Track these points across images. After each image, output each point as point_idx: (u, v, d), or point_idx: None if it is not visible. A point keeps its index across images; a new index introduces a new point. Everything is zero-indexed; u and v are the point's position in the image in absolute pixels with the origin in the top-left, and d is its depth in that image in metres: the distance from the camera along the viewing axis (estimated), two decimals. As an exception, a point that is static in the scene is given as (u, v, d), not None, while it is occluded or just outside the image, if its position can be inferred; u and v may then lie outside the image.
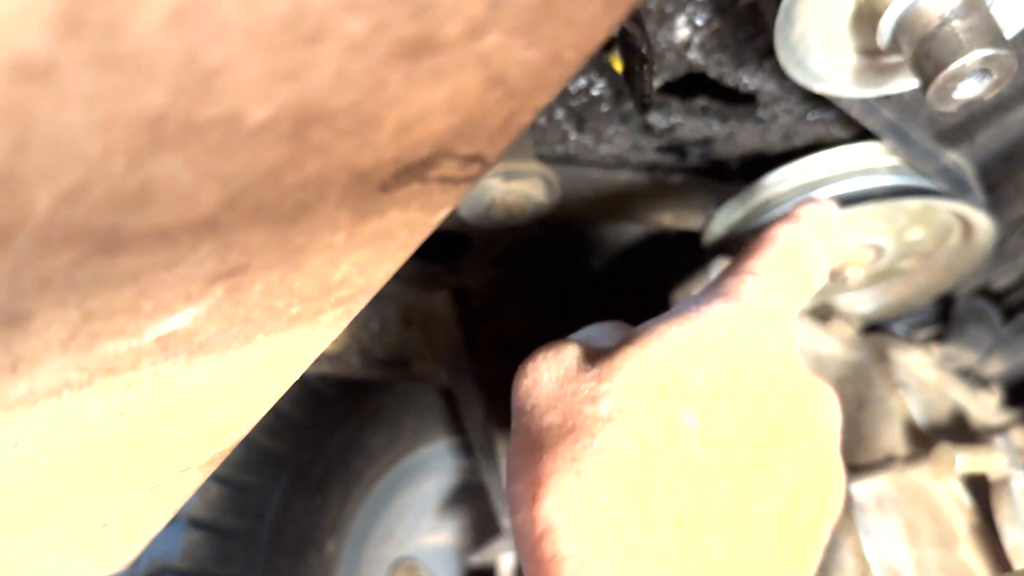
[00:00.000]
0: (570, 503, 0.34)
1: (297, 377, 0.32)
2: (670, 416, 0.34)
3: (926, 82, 0.42)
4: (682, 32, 0.52)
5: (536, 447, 0.36)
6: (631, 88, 0.45)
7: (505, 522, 0.74)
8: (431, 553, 0.92)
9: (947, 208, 0.59)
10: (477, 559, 0.76)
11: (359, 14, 0.15)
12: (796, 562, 0.36)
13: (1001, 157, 0.66)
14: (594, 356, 0.38)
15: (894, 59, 0.48)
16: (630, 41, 0.41)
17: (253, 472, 0.81)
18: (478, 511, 0.92)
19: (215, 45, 0.14)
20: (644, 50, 0.40)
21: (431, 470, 0.94)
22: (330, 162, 0.19)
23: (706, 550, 0.33)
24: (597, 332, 0.42)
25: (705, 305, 0.38)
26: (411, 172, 0.21)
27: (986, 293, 0.81)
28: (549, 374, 0.38)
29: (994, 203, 0.71)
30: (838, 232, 0.45)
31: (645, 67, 0.41)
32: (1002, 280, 0.80)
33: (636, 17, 0.40)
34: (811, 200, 0.45)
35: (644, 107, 0.44)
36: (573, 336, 0.42)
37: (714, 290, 0.39)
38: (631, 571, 0.32)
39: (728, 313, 0.37)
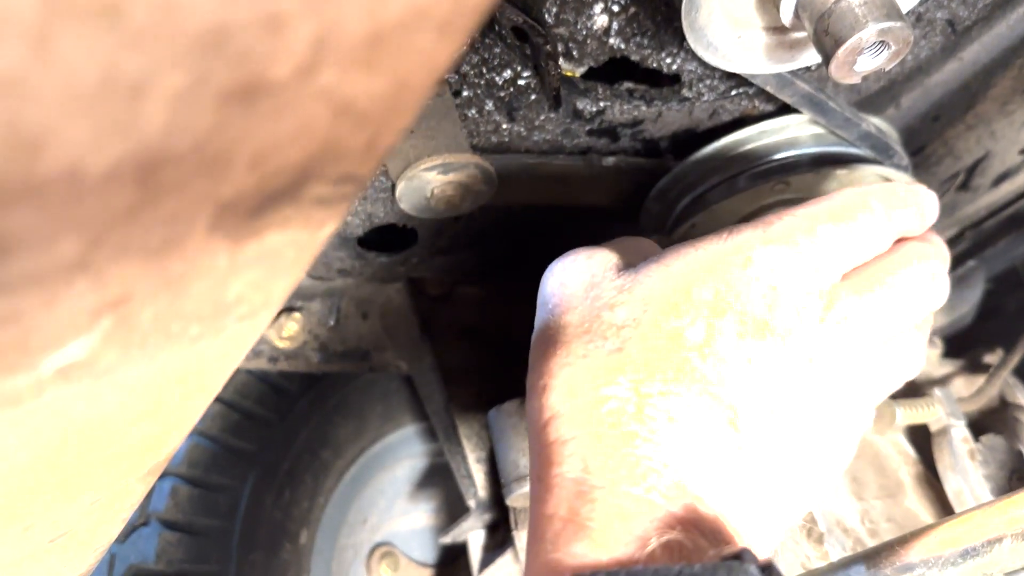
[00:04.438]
0: (575, 393, 0.38)
1: (219, 389, 0.33)
2: (676, 329, 0.39)
3: (827, 57, 0.43)
4: (601, 19, 0.53)
5: (552, 342, 0.41)
6: (541, 84, 0.46)
7: (471, 502, 0.76)
8: (406, 536, 0.94)
9: (872, 173, 0.60)
10: (448, 539, 0.78)
11: (176, 70, 0.16)
12: (778, 474, 0.39)
13: (928, 117, 0.68)
14: (621, 268, 0.42)
15: (802, 33, 0.49)
16: (534, 40, 0.42)
17: (222, 471, 0.82)
18: (450, 491, 0.94)
19: (32, 113, 0.15)
20: (547, 47, 0.41)
21: (400, 456, 0.96)
22: (188, 198, 0.20)
23: (693, 448, 0.36)
24: (632, 245, 0.45)
25: (735, 232, 0.42)
26: (280, 197, 0.22)
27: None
28: (577, 277, 0.42)
29: (925, 163, 0.73)
30: (920, 211, 0.45)
31: (551, 63, 0.42)
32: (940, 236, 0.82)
33: (537, 16, 0.41)
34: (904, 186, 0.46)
35: (556, 101, 0.45)
36: (608, 244, 0.45)
37: (755, 220, 0.43)
38: (624, 451, 0.36)
39: (750, 241, 0.41)
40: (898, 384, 0.46)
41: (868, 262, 0.43)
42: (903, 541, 0.40)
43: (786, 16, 0.45)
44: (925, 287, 0.43)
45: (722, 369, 0.38)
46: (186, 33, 0.15)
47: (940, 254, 0.46)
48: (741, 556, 0.31)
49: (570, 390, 0.38)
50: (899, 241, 0.45)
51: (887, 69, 0.45)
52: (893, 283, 0.42)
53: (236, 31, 0.16)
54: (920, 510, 0.64)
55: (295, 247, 0.25)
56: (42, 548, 0.39)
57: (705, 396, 0.37)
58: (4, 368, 0.22)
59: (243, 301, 0.27)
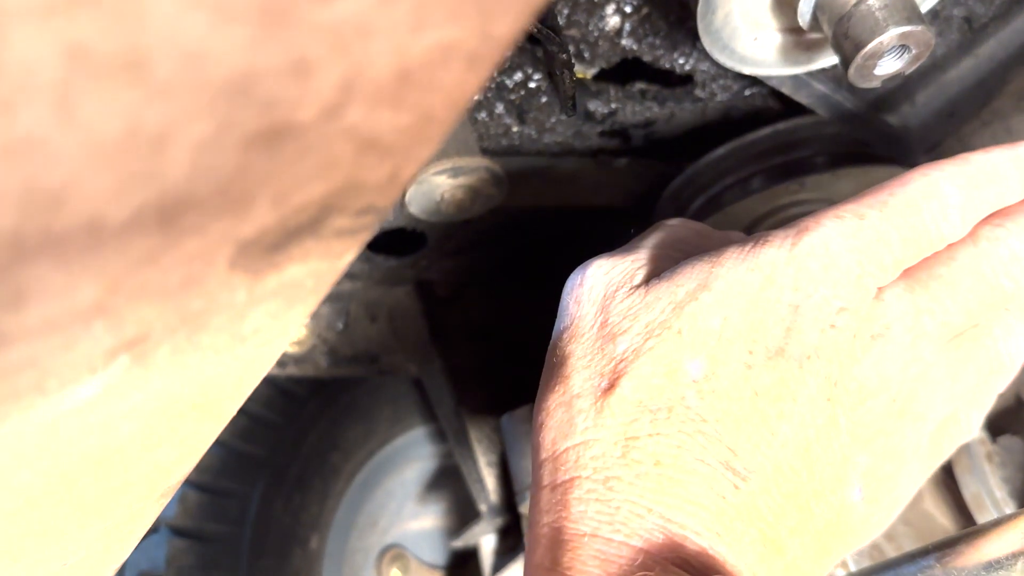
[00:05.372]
0: (566, 434, 0.37)
1: (232, 414, 0.32)
2: (675, 363, 0.36)
3: (846, 62, 0.43)
4: (613, 20, 0.52)
5: (555, 372, 0.39)
6: (556, 91, 0.45)
7: (483, 506, 0.75)
8: (416, 538, 0.94)
9: (889, 173, 0.59)
10: (459, 543, 0.77)
11: (199, 119, 0.15)
12: (766, 524, 0.36)
13: (944, 114, 0.67)
14: (640, 282, 0.39)
15: (819, 34, 0.49)
16: (549, 48, 0.41)
17: (231, 477, 0.82)
18: (459, 493, 0.93)
19: (53, 169, 0.14)
20: (563, 56, 0.40)
21: (410, 458, 0.95)
22: (209, 238, 0.19)
23: (681, 491, 0.35)
24: (671, 238, 0.42)
25: (760, 245, 0.37)
26: (301, 232, 0.22)
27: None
28: (592, 295, 0.40)
29: (941, 159, 0.72)
30: (1011, 180, 0.40)
31: (566, 72, 0.41)
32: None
33: (551, 24, 0.40)
34: (1011, 146, 0.40)
35: (571, 108, 0.44)
36: (647, 239, 0.42)
37: (793, 223, 0.38)
38: (606, 497, 0.35)
39: (775, 260, 0.37)
40: (984, 391, 0.41)
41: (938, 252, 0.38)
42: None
43: (804, 18, 0.45)
44: (1001, 271, 0.38)
45: (722, 406, 0.35)
46: (212, 83, 0.14)
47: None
48: None
49: (560, 431, 0.37)
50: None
51: (907, 73, 0.44)
52: (949, 276, 0.38)
53: (262, 78, 0.15)
54: (937, 513, 0.64)
55: (314, 277, 0.25)
56: (57, 572, 0.38)
57: (698, 436, 0.35)
58: (19, 408, 0.22)
59: (259, 331, 0.26)
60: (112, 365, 0.22)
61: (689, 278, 0.38)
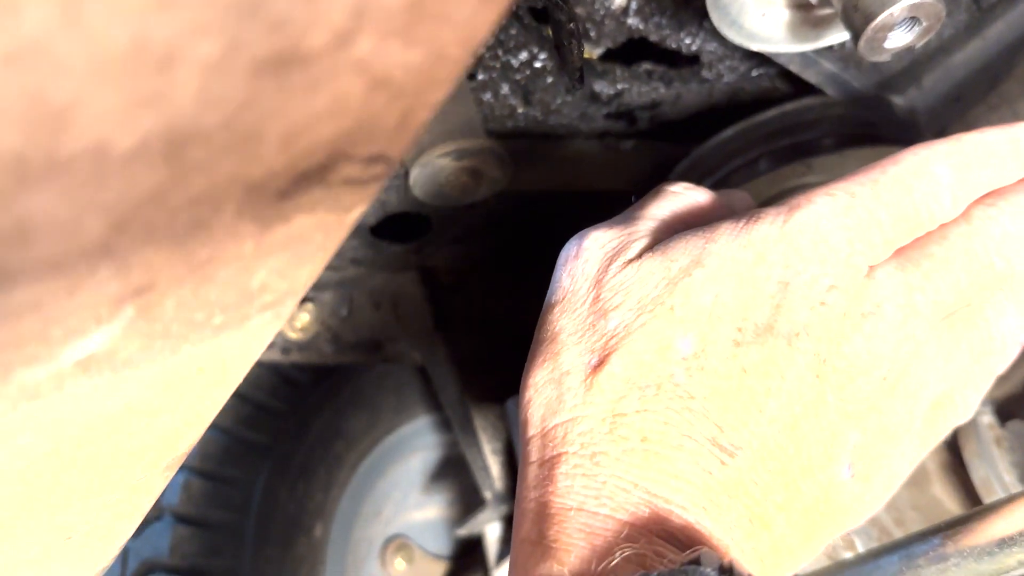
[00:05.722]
0: (554, 411, 0.37)
1: (240, 381, 0.32)
2: (666, 340, 0.36)
3: (856, 34, 0.42)
4: (619, -2, 0.52)
5: (545, 346, 0.39)
6: (563, 63, 0.45)
7: (488, 494, 0.75)
8: (421, 528, 0.93)
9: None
10: (464, 531, 0.77)
11: (208, 37, 0.15)
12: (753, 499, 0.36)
13: (950, 98, 0.66)
14: (636, 255, 0.39)
15: (828, 10, 0.48)
16: (557, 17, 0.41)
17: (235, 464, 0.81)
18: (464, 482, 0.93)
19: (59, 83, 0.14)
20: (571, 25, 0.40)
21: (414, 447, 0.95)
22: (216, 178, 0.19)
23: (667, 466, 0.35)
24: (681, 207, 0.42)
25: (753, 221, 0.37)
26: (309, 178, 0.21)
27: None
28: (587, 268, 0.40)
29: (947, 143, 0.71)
30: (1008, 159, 0.40)
31: (574, 42, 0.41)
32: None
33: (559, -8, 0.40)
34: (1006, 127, 0.40)
35: (578, 80, 0.44)
36: (647, 208, 0.42)
37: (785, 200, 0.39)
38: (592, 472, 0.35)
39: (767, 236, 0.37)
40: (979, 371, 0.40)
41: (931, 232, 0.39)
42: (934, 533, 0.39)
43: (813, -8, 0.44)
44: (993, 250, 0.38)
45: (710, 383, 0.35)
46: (220, -4, 0.14)
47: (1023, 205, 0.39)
48: (699, 560, 0.30)
49: (549, 408, 0.37)
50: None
51: (917, 46, 0.43)
52: (941, 255, 0.37)
53: (273, -6, 0.15)
54: (946, 498, 0.63)
55: (322, 231, 0.24)
56: (60, 545, 0.38)
57: (686, 413, 0.35)
58: (24, 359, 0.21)
59: (267, 289, 0.26)
60: (118, 316, 0.22)
61: (683, 253, 0.38)
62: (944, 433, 0.42)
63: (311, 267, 0.26)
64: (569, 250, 0.41)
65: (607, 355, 0.37)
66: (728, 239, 0.37)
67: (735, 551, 0.35)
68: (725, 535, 0.34)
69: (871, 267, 0.37)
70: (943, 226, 0.39)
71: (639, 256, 0.39)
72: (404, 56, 0.19)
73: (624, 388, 0.36)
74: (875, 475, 0.38)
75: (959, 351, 0.39)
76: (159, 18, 0.14)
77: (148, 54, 0.14)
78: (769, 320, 0.36)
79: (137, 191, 0.17)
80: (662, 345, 0.36)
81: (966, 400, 0.41)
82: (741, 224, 0.38)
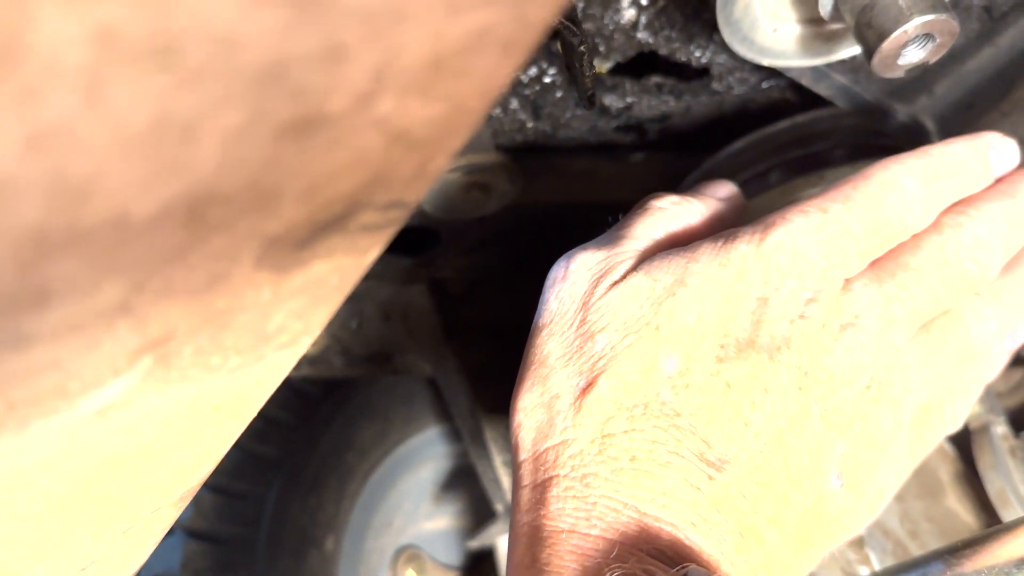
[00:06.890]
0: (544, 435, 0.37)
1: (254, 415, 0.32)
2: (652, 359, 0.37)
3: (869, 52, 0.42)
4: (628, 13, 0.51)
5: (534, 369, 0.39)
6: (573, 83, 0.44)
7: (499, 506, 0.75)
8: (432, 538, 0.93)
9: (909, 165, 0.58)
10: (475, 544, 0.77)
11: (231, 108, 0.14)
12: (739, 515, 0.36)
13: (962, 106, 0.66)
14: (621, 276, 0.39)
15: (840, 25, 0.48)
16: (568, 40, 0.41)
17: (246, 478, 0.81)
18: (475, 493, 0.93)
19: (81, 160, 0.13)
20: (582, 48, 0.40)
21: (424, 458, 0.95)
22: (236, 235, 0.18)
23: (655, 484, 0.35)
24: (677, 218, 0.43)
25: (731, 241, 0.38)
26: (328, 228, 0.21)
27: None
28: (574, 290, 0.40)
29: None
30: (976, 169, 0.41)
31: (584, 63, 0.41)
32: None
33: (571, 16, 0.40)
34: (971, 137, 0.42)
35: (589, 101, 0.44)
36: (638, 224, 0.42)
37: (761, 220, 0.40)
38: (583, 494, 0.35)
39: (744, 255, 0.38)
40: (963, 378, 0.41)
41: (903, 242, 0.40)
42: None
43: (825, 8, 0.44)
44: (965, 256, 0.39)
45: (695, 399, 0.36)
46: (244, 69, 0.14)
47: (993, 211, 0.41)
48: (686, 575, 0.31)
49: (540, 432, 0.38)
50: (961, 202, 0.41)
51: (931, 62, 0.43)
52: (915, 264, 0.39)
53: (295, 65, 0.14)
54: (961, 510, 0.63)
55: (339, 274, 0.24)
56: (75, 576, 0.38)
57: (672, 430, 0.36)
58: (42, 412, 0.21)
59: (283, 331, 0.26)
60: (135, 367, 0.21)
61: (666, 273, 0.38)
62: (934, 443, 0.42)
63: (327, 307, 0.26)
64: (556, 272, 0.42)
65: (595, 377, 0.37)
66: (708, 258, 0.38)
67: (726, 565, 0.35)
68: (715, 550, 0.35)
69: (847, 280, 0.38)
70: (915, 236, 0.40)
71: (624, 277, 0.39)
72: (424, 111, 0.18)
73: (612, 409, 0.36)
74: (864, 484, 0.39)
75: (940, 357, 0.40)
76: (183, 94, 0.13)
77: (171, 127, 0.14)
78: (751, 335, 0.37)
79: (156, 253, 0.17)
80: (648, 365, 0.37)
81: (954, 408, 0.42)
82: (720, 244, 0.39)
